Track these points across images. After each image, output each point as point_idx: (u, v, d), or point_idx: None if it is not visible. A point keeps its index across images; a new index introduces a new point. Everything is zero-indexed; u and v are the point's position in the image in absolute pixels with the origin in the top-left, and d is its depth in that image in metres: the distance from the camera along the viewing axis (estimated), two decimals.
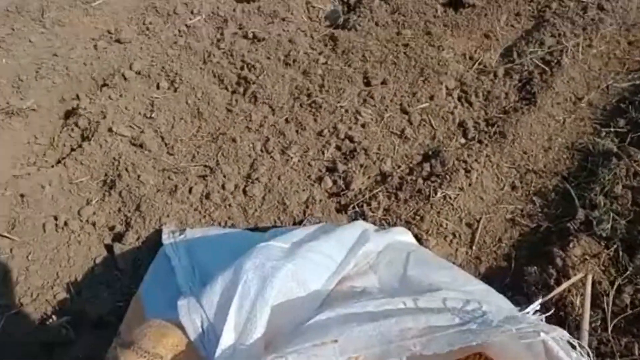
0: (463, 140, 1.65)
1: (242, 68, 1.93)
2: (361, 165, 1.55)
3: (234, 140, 1.65)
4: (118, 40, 2.10)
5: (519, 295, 1.26)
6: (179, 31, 2.15)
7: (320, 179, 1.55)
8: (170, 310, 0.94)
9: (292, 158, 1.60)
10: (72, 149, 1.74)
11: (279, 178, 1.54)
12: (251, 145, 1.65)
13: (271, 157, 1.61)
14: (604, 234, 1.32)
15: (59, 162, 1.72)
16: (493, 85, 1.83)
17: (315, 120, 1.72)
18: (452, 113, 1.71)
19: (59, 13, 2.28)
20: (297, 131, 1.69)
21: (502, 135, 1.62)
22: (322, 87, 1.82)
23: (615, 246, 1.30)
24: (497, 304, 0.93)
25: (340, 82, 1.82)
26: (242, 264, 0.84)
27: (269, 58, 1.98)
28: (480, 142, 1.62)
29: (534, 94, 1.76)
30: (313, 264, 0.89)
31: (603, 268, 1.27)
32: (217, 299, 0.82)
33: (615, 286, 1.22)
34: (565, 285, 1.21)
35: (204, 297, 0.83)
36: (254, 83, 1.85)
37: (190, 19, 2.19)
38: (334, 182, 1.54)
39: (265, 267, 0.83)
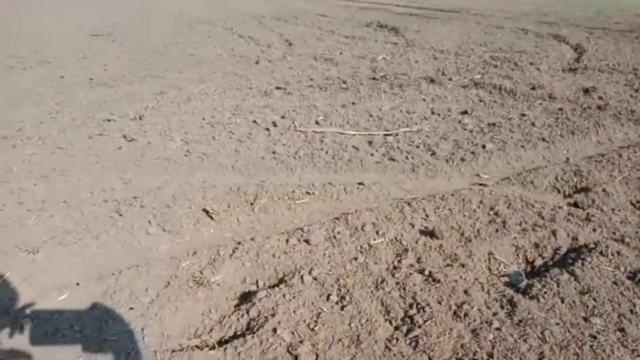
0: None
1: (411, 306, 1.93)
2: None
3: None
4: (307, 241, 2.33)
5: None
6: (361, 248, 2.30)
7: None
8: None
9: None
10: (236, 335, 1.86)
11: None
12: None
13: None
14: None
15: (220, 343, 1.84)
16: None
17: None
18: None
19: (268, 201, 2.68)
20: None
21: None
22: (491, 357, 1.69)
23: None
24: None
25: (512, 359, 1.67)
26: None
27: (440, 303, 1.95)
28: None
29: None
30: None
31: None
32: None
33: None
34: None
35: None
36: (419, 327, 1.82)
37: (374, 239, 2.34)
38: None
39: None
